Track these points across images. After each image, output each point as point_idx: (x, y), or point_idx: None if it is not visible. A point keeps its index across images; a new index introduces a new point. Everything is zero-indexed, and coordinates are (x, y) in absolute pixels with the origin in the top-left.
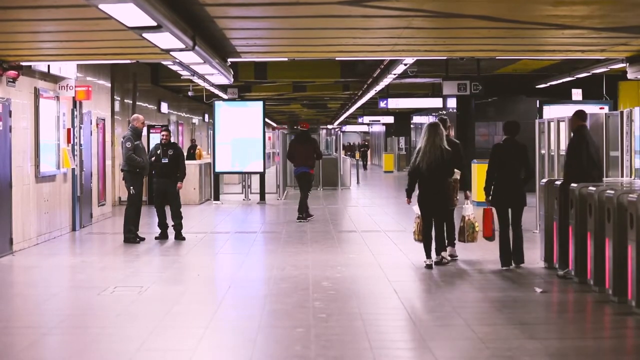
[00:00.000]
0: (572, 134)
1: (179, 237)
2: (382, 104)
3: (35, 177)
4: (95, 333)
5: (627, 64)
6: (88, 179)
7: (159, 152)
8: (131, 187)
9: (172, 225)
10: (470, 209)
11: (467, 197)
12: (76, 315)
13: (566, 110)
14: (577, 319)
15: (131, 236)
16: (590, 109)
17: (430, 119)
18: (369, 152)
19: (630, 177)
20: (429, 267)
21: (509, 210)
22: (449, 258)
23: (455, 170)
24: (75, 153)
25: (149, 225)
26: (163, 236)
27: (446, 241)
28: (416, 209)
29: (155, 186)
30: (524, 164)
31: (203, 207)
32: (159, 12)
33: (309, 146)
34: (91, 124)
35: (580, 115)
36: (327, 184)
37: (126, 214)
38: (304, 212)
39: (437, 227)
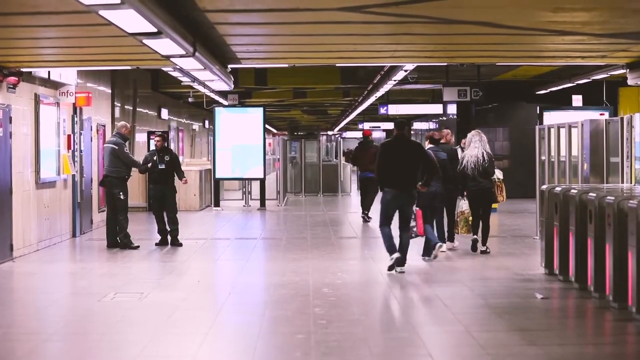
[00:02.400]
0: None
1: (175, 242)
2: (382, 110)
3: (35, 183)
4: (96, 339)
5: (627, 70)
6: (88, 185)
7: (155, 158)
8: (120, 193)
9: (169, 232)
10: (465, 205)
11: (463, 196)
12: (76, 321)
13: (567, 117)
14: (577, 325)
15: (128, 241)
16: (591, 115)
17: (431, 125)
18: None
19: (631, 183)
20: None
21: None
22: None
23: (497, 170)
24: (76, 159)
25: (149, 231)
26: (163, 242)
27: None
28: (464, 205)
29: (152, 193)
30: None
31: (203, 213)
32: (159, 18)
33: (370, 152)
34: (91, 130)
35: (396, 124)
36: (328, 190)
37: (119, 220)
38: (365, 213)
39: (483, 221)
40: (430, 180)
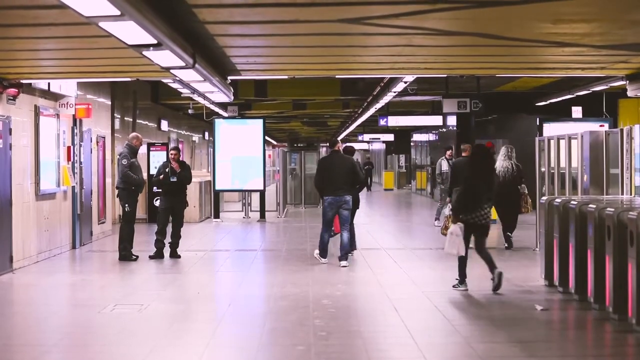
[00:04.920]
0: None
1: (175, 254)
2: (382, 122)
3: (35, 194)
4: (96, 351)
5: (627, 81)
6: (88, 196)
7: (167, 170)
8: (126, 205)
9: (169, 243)
10: None
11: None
12: (76, 333)
13: (566, 128)
14: (577, 337)
15: (127, 254)
16: (590, 126)
17: (430, 136)
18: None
19: (631, 194)
20: (508, 248)
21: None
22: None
23: (523, 184)
24: (76, 171)
25: (148, 243)
26: (159, 255)
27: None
28: (446, 210)
29: (163, 205)
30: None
31: (203, 224)
32: (159, 30)
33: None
34: (91, 141)
35: (329, 143)
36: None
37: (121, 231)
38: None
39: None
40: (361, 188)
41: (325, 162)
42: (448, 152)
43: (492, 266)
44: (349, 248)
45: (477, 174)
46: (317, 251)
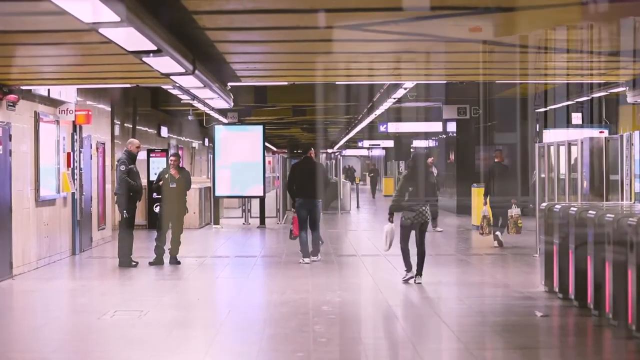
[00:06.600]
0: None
1: (174, 261)
2: (382, 128)
3: (35, 201)
4: (96, 357)
5: (627, 87)
6: (88, 203)
7: (167, 176)
8: (124, 211)
9: (169, 249)
10: (515, 210)
11: (514, 202)
12: (76, 339)
13: (566, 134)
14: (577, 343)
15: (127, 260)
16: (590, 132)
17: (430, 142)
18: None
19: (630, 200)
20: None
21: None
22: None
23: None
24: (75, 177)
25: (148, 249)
26: (159, 261)
27: None
28: (484, 210)
29: (162, 211)
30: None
31: (203, 231)
32: (159, 36)
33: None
34: (91, 148)
35: (303, 149)
36: (327, 207)
37: (120, 238)
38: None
39: None
40: (324, 191)
41: (297, 166)
42: (429, 160)
43: (421, 261)
44: (320, 244)
45: (413, 178)
46: (301, 260)
